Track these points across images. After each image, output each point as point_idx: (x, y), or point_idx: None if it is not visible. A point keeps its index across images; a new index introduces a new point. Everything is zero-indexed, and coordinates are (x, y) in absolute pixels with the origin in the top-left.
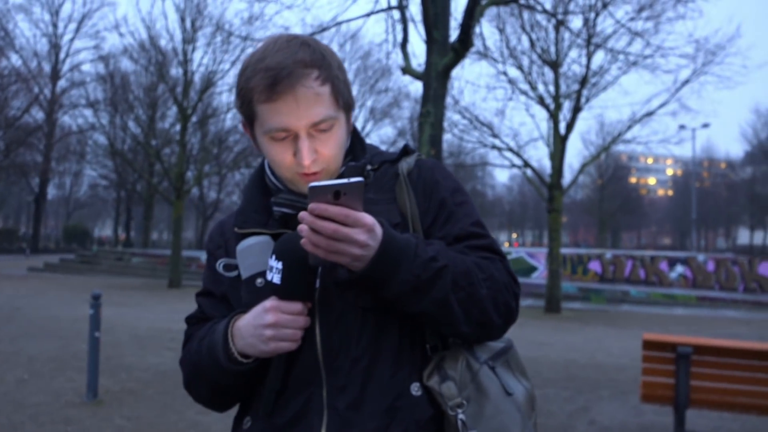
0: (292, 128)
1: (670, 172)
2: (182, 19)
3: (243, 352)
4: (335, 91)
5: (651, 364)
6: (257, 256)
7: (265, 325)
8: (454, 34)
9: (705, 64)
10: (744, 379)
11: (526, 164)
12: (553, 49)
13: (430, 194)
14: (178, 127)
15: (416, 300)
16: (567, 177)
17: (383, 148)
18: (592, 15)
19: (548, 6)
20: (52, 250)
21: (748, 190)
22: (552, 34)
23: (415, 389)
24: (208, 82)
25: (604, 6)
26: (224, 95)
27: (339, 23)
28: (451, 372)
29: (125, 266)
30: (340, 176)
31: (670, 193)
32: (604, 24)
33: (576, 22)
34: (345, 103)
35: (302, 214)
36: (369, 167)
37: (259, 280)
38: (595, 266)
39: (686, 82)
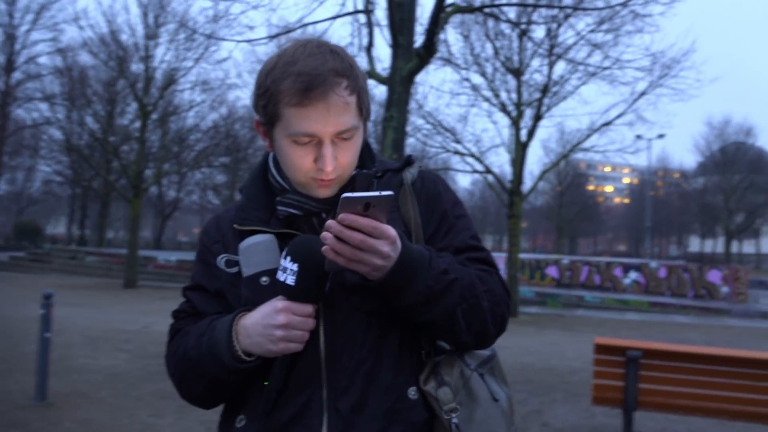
0: (319, 134)
1: (626, 180)
2: (145, 15)
3: (247, 350)
4: (360, 102)
5: (602, 367)
6: (262, 254)
7: (276, 326)
8: (419, 40)
9: (661, 77)
10: (689, 382)
11: (488, 170)
12: (516, 57)
13: (432, 206)
14: (137, 124)
15: (426, 310)
16: (527, 183)
17: None
18: (555, 26)
19: (512, 16)
20: (2, 247)
21: (699, 200)
22: (515, 43)
23: (413, 393)
24: (170, 79)
25: (566, 17)
26: (186, 93)
27: (305, 25)
28: (447, 378)
29: (79, 265)
30: (351, 182)
31: (627, 201)
32: (566, 35)
33: (539, 32)
34: (366, 114)
35: (330, 223)
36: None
37: (263, 279)
38: (552, 271)
39: (643, 93)
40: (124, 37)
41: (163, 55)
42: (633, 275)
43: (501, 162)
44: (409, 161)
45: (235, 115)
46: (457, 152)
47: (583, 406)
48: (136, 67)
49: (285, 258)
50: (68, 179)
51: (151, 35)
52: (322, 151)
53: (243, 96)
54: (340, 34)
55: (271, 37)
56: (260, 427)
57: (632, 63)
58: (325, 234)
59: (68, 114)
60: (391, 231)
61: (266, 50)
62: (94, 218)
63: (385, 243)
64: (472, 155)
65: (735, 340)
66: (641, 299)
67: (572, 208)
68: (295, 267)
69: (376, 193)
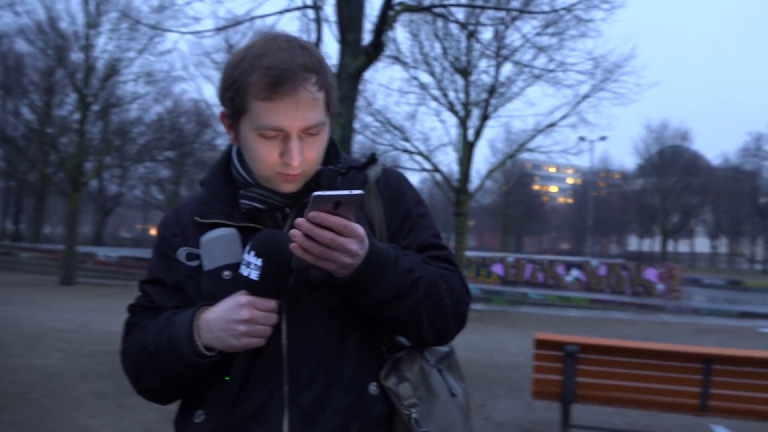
0: (287, 129)
1: (570, 181)
2: (85, 2)
3: (209, 345)
4: (328, 98)
5: (541, 362)
6: (224, 248)
7: (239, 320)
8: (368, 37)
9: (603, 81)
10: (624, 376)
11: (436, 168)
12: (464, 58)
13: (396, 204)
14: (77, 116)
15: (392, 307)
16: (474, 182)
17: None
18: (502, 28)
19: (461, 17)
20: None
21: (638, 201)
22: (463, 44)
23: (373, 389)
24: (112, 70)
25: (513, 20)
26: (129, 84)
27: (253, 18)
28: (407, 374)
29: (13, 261)
30: (316, 178)
31: (570, 201)
32: (513, 37)
33: (486, 34)
34: (333, 111)
35: (299, 221)
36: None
37: (225, 273)
38: (497, 269)
39: (585, 96)
40: (63, 24)
41: (104, 44)
42: (575, 273)
43: (449, 161)
44: (373, 159)
45: (181, 108)
46: (405, 150)
47: (524, 400)
48: (76, 56)
49: (249, 252)
50: (2, 172)
51: (92, 24)
52: (289, 145)
53: (189, 89)
54: (289, 29)
55: (218, 30)
56: (220, 422)
57: (575, 66)
58: (294, 231)
59: (2, 103)
60: (360, 230)
61: (213, 42)
62: (29, 213)
63: (354, 241)
64: (421, 153)
65: (669, 335)
66: (582, 296)
67: (518, 207)
68: (259, 262)
69: (347, 192)
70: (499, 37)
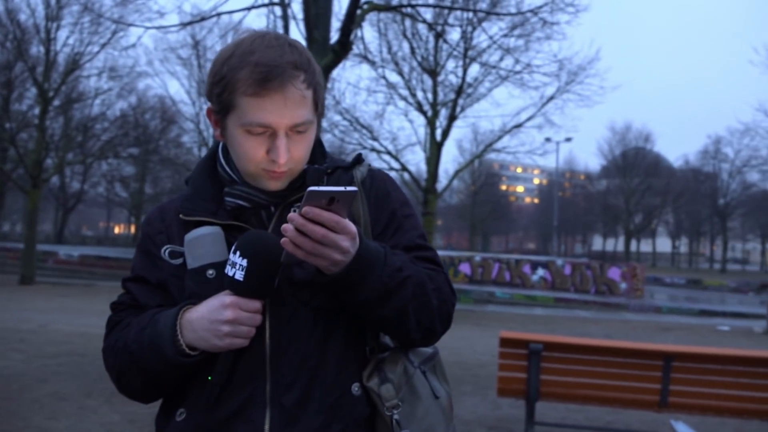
0: (274, 126)
1: (536, 181)
2: None
3: (192, 344)
4: (316, 97)
5: (506, 360)
6: (208, 246)
7: (223, 321)
8: (335, 36)
9: (568, 83)
10: (587, 373)
11: (404, 168)
12: (432, 58)
13: (381, 204)
14: (37, 110)
15: (380, 306)
16: (442, 182)
17: None
18: (469, 29)
19: (429, 17)
20: None
21: (602, 201)
22: (431, 44)
23: (356, 389)
24: (74, 64)
25: (480, 22)
26: (92, 79)
27: (219, 14)
28: (390, 375)
29: None
30: (302, 176)
31: (536, 201)
32: (480, 38)
33: (454, 35)
34: (321, 110)
35: (292, 216)
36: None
37: (210, 272)
38: (465, 268)
39: (551, 98)
40: (23, 17)
41: (66, 38)
42: (540, 272)
43: (417, 160)
44: (359, 160)
45: (146, 104)
46: (373, 149)
47: (490, 398)
48: (36, 49)
49: (234, 253)
50: None
51: (53, 17)
52: (276, 142)
53: (154, 85)
54: (257, 25)
55: (184, 25)
56: (201, 420)
57: (541, 68)
58: (285, 226)
59: None
60: (352, 227)
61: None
62: None
63: (346, 238)
64: (389, 153)
65: (631, 333)
66: (548, 295)
67: (485, 206)
68: (244, 262)
69: (342, 189)
70: (466, 38)
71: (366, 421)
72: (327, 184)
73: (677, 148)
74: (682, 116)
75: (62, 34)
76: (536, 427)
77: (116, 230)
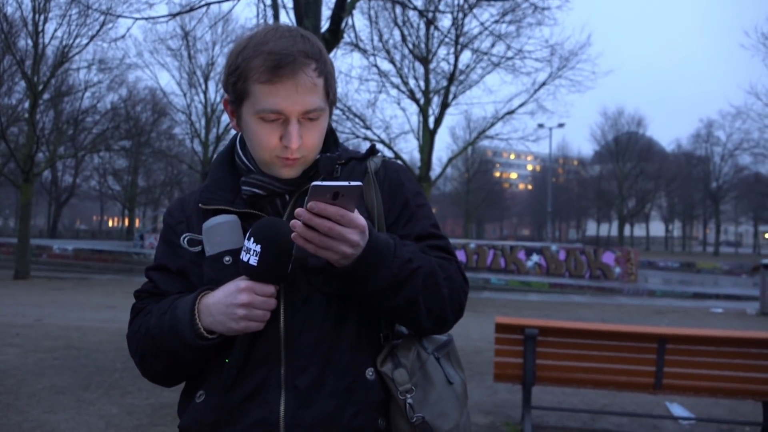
0: (286, 112)
1: (530, 167)
2: None
3: (209, 328)
4: (327, 86)
5: (502, 345)
6: (225, 234)
7: (238, 305)
8: (326, 24)
9: (559, 68)
10: (582, 357)
11: (397, 156)
12: (423, 45)
13: (395, 194)
14: (27, 104)
15: (390, 297)
16: (436, 170)
17: None
18: (460, 15)
19: (419, 3)
20: None
21: (595, 186)
22: (423, 31)
23: (370, 374)
24: (63, 57)
25: (471, 8)
26: (82, 72)
27: (208, 4)
28: (403, 360)
29: None
30: (315, 165)
31: (530, 187)
32: (471, 25)
33: (445, 22)
34: (332, 98)
35: (299, 211)
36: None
37: (226, 258)
38: (460, 255)
39: (543, 84)
40: (9, 9)
41: (54, 30)
42: (535, 258)
43: (410, 148)
44: (373, 151)
45: (137, 96)
46: (366, 138)
47: (486, 384)
48: (24, 42)
49: (249, 239)
50: None
51: (41, 9)
52: (289, 128)
53: (144, 76)
54: (246, 14)
55: (173, 15)
56: (219, 401)
57: (533, 54)
58: (294, 222)
59: None
60: (360, 220)
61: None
62: None
63: (354, 231)
64: (382, 141)
65: (625, 317)
66: (542, 281)
67: (479, 194)
68: (258, 248)
69: (345, 183)
70: (457, 24)
71: (380, 406)
72: (341, 174)
73: (670, 132)
74: (675, 100)
75: (50, 27)
76: (533, 411)
77: (110, 223)
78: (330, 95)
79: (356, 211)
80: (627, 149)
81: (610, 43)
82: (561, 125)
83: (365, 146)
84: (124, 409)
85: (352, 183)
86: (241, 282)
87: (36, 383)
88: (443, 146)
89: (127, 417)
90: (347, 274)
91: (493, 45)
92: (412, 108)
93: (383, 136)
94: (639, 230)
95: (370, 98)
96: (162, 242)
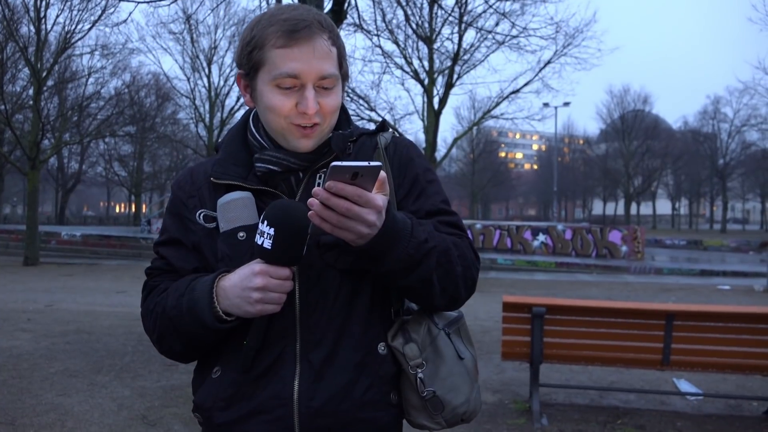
0: (303, 76)
1: (535, 147)
2: None
3: (227, 311)
4: (340, 56)
5: (510, 324)
6: (240, 210)
7: (253, 288)
8: (328, 5)
9: (565, 46)
10: (589, 334)
11: (396, 132)
12: (427, 25)
13: (405, 169)
14: (31, 91)
15: (405, 276)
16: (441, 150)
17: None
18: None
19: None
20: None
21: (602, 165)
22: (426, 10)
23: (381, 348)
24: (66, 43)
25: None
26: (85, 58)
27: None
28: (414, 335)
29: None
30: (327, 143)
31: (536, 167)
32: (475, 3)
33: (448, 0)
34: (345, 71)
35: (317, 190)
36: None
37: (240, 234)
38: None
39: (548, 62)
40: None
41: (56, 16)
42: (541, 238)
43: (415, 129)
44: (383, 126)
45: (140, 81)
46: (371, 120)
47: (495, 362)
48: (27, 29)
49: (262, 222)
50: None
51: None
52: (305, 93)
53: (147, 61)
54: None
55: None
56: (235, 377)
57: (538, 32)
58: (312, 200)
59: None
60: (377, 200)
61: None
62: None
63: (372, 212)
64: (385, 121)
65: (632, 294)
66: (549, 260)
67: (485, 174)
68: (271, 231)
69: (365, 163)
70: (461, 2)
71: (392, 380)
72: (351, 151)
73: (676, 109)
74: (681, 77)
75: (52, 12)
76: (540, 388)
77: (117, 209)
78: (343, 66)
79: (372, 191)
80: (633, 127)
81: (615, 20)
82: (566, 104)
83: (371, 127)
84: (136, 391)
85: (372, 163)
86: (256, 265)
87: (49, 367)
88: (448, 127)
89: (138, 399)
90: (363, 252)
91: (497, 23)
92: (417, 89)
93: (388, 117)
94: (645, 209)
95: (374, 79)
96: (171, 216)
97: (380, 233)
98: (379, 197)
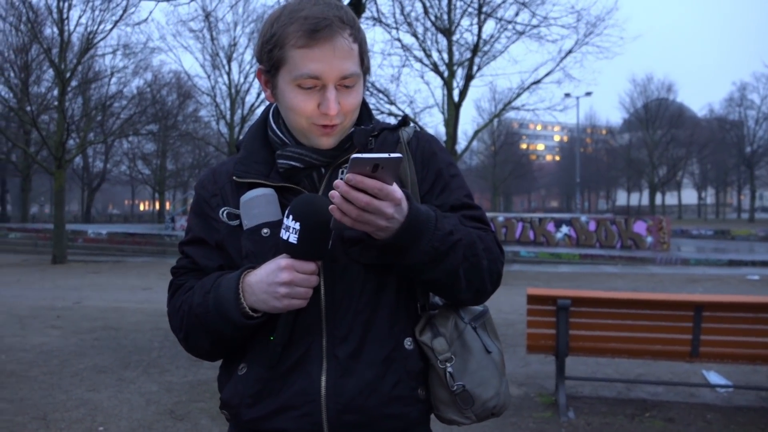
0: (324, 77)
1: (557, 138)
2: None
3: (253, 307)
4: (362, 52)
5: (534, 317)
6: (263, 207)
7: (279, 283)
8: None
9: (586, 35)
10: (616, 327)
11: (422, 130)
12: (446, 17)
13: (428, 164)
14: (56, 92)
15: (430, 269)
16: (461, 143)
17: None
18: None
19: None
20: None
21: (625, 155)
22: (445, 1)
23: (408, 343)
24: (88, 44)
25: None
26: (107, 58)
27: None
28: (442, 329)
29: (1, 242)
30: (349, 138)
31: (558, 158)
32: None
33: None
34: (366, 67)
35: (337, 182)
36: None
37: (264, 230)
38: None
39: (569, 52)
40: None
41: (79, 17)
42: (564, 229)
43: (435, 123)
44: (405, 121)
45: (162, 80)
46: (391, 113)
47: (520, 356)
48: (50, 31)
49: (287, 217)
50: None
51: None
52: (326, 94)
53: (168, 60)
54: None
55: None
56: (261, 374)
57: (558, 21)
58: (332, 193)
59: None
60: (397, 193)
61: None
62: (15, 193)
63: (390, 205)
64: (405, 116)
65: (658, 285)
66: (572, 252)
67: (506, 166)
68: (297, 226)
69: (386, 155)
70: None
71: (419, 375)
72: (373, 146)
73: (701, 97)
74: (706, 64)
75: (75, 14)
76: (567, 381)
77: (141, 207)
78: (364, 62)
79: (393, 183)
80: (657, 116)
81: (637, 7)
82: (588, 94)
83: (391, 121)
84: (163, 386)
85: (392, 155)
86: (282, 260)
87: (78, 363)
88: (468, 119)
89: (166, 394)
90: (387, 246)
91: (517, 13)
92: (436, 81)
93: (407, 110)
94: (671, 198)
95: (394, 73)
96: (195, 215)
97: (404, 226)
98: (399, 190)
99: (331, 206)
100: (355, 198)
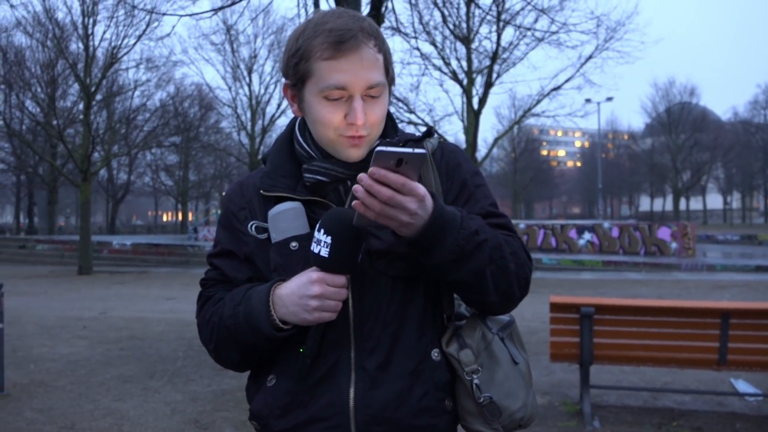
0: (350, 87)
1: (578, 144)
2: None
3: (284, 319)
4: (386, 63)
5: (558, 325)
6: (290, 221)
7: (311, 296)
8: (366, 9)
9: (606, 40)
10: (640, 334)
11: (442, 139)
12: (464, 25)
13: (452, 175)
14: (81, 106)
15: (456, 269)
16: (482, 151)
17: None
18: None
19: None
20: None
21: (648, 160)
22: (463, 10)
23: (435, 354)
24: (113, 58)
25: None
26: (131, 72)
27: None
28: (468, 340)
29: (29, 254)
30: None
31: (579, 164)
32: (513, 1)
33: None
34: (391, 76)
35: (361, 176)
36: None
37: (293, 244)
38: None
39: (589, 57)
40: (60, 15)
41: (103, 32)
42: (587, 236)
43: (455, 130)
44: (429, 132)
45: (184, 93)
46: (410, 122)
47: (543, 364)
48: (76, 46)
49: (319, 231)
50: (11, 166)
51: (89, 12)
52: (353, 105)
53: (190, 73)
54: (287, 5)
55: (216, 11)
56: (290, 385)
57: (578, 27)
58: (356, 187)
59: (6, 98)
60: (419, 189)
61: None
62: (42, 205)
63: (413, 200)
64: (426, 125)
65: (683, 292)
66: (595, 259)
67: (527, 173)
68: (328, 239)
69: (409, 150)
70: (498, 1)
71: (446, 386)
72: None
73: (725, 100)
74: (730, 66)
75: (99, 29)
76: (591, 390)
77: (164, 218)
78: (389, 72)
79: (417, 179)
80: (680, 120)
81: (658, 10)
82: (609, 99)
83: (409, 131)
84: (188, 396)
85: (416, 150)
86: (313, 273)
87: (104, 373)
88: (488, 127)
89: (191, 404)
90: (412, 243)
91: (536, 20)
92: (456, 89)
93: (427, 119)
94: (695, 203)
95: (413, 81)
96: (223, 228)
97: (428, 223)
98: (422, 186)
99: (354, 202)
100: (378, 192)
